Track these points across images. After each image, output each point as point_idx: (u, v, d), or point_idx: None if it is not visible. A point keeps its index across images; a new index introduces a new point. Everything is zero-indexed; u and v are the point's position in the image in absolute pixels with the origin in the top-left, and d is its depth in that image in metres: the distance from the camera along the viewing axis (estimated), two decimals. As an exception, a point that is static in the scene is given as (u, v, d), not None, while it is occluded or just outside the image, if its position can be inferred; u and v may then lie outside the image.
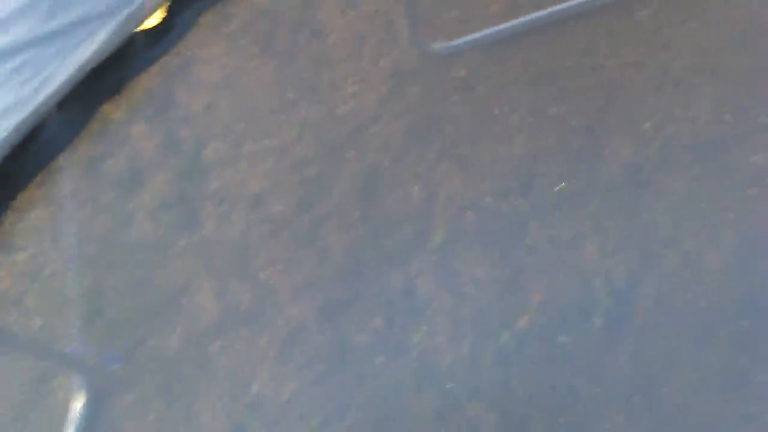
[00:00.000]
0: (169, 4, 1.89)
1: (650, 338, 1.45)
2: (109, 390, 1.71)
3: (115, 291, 1.88)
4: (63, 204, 2.02)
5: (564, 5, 1.73)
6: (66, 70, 1.70)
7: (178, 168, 1.96)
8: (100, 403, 1.69)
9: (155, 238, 1.92)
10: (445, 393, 1.51)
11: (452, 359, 1.55)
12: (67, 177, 2.03)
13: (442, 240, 1.67)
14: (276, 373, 1.64)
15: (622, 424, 1.41)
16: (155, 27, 1.94)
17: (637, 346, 1.45)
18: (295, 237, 1.79)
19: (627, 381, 1.43)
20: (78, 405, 1.67)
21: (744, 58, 1.57)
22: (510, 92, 1.71)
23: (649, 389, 1.40)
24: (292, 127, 1.89)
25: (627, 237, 1.55)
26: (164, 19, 1.94)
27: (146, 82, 2.03)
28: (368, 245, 1.72)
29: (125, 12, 1.69)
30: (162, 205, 1.94)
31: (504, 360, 1.51)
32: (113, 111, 2.04)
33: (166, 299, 1.83)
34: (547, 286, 1.57)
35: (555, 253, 1.59)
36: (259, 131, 1.92)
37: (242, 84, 1.97)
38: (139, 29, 1.89)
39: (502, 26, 1.78)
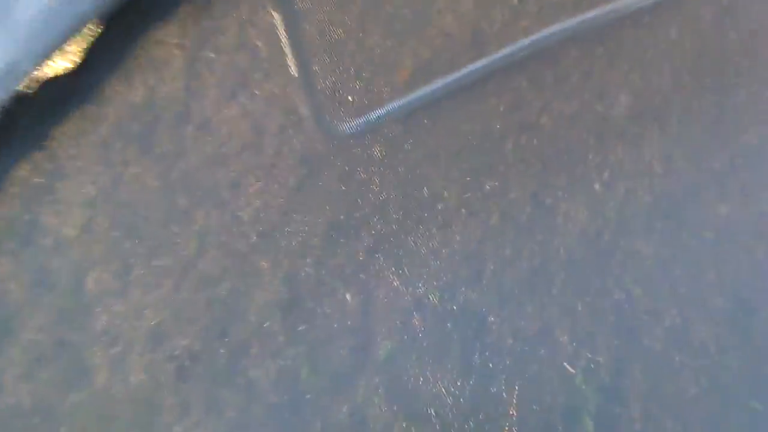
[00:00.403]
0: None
1: (655, 440, 1.23)
2: None
3: (-10, 477, 1.48)
4: None
5: (481, 62, 1.54)
6: None
7: (55, 308, 1.60)
8: None
9: (35, 401, 1.54)
10: None
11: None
12: None
13: (388, 354, 1.40)
14: None
15: None
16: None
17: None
18: (211, 376, 1.47)
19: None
20: None
21: (684, 99, 1.41)
22: (437, 167, 1.48)
23: None
24: (189, 239, 1.59)
25: (600, 317, 1.33)
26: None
27: (5, 208, 1.67)
28: (301, 373, 1.42)
29: None
30: (39, 359, 1.57)
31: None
32: (-34, 249, 1.66)
33: (57, 478, 1.45)
34: (523, 389, 1.32)
35: (523, 349, 1.35)
36: (149, 249, 1.60)
37: (122, 195, 1.65)
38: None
39: (415, 94, 1.55)
